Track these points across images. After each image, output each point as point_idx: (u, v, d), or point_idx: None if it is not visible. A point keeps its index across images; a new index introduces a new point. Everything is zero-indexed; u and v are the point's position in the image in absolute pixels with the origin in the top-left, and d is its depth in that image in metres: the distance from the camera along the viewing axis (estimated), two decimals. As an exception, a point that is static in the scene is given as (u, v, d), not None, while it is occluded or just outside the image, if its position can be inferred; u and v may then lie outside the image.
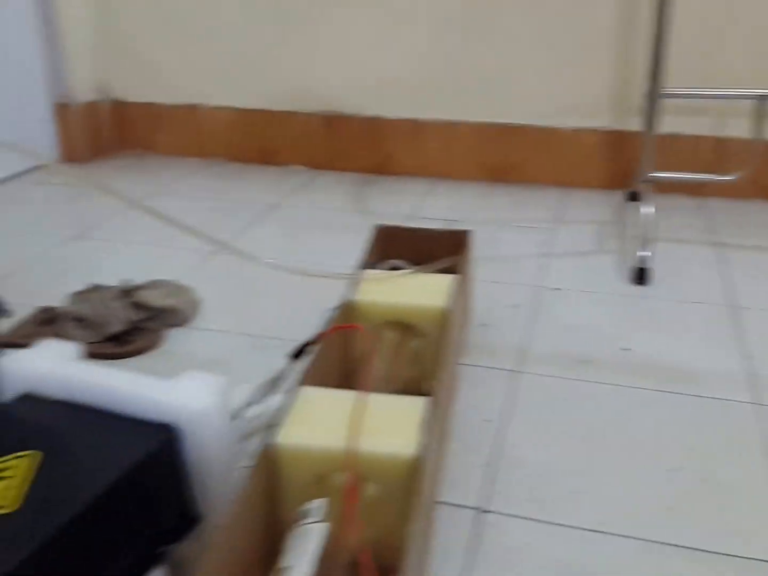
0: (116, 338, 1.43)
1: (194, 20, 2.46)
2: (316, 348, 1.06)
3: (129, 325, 1.44)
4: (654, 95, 1.86)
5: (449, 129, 2.38)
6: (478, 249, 1.62)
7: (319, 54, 2.40)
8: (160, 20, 2.49)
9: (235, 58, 2.47)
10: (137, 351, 1.41)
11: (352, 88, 2.40)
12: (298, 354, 1.09)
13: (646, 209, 1.78)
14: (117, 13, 2.51)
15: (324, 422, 0.89)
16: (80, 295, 1.52)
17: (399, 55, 2.35)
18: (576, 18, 2.21)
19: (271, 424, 0.88)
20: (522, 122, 2.33)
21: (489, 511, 1.03)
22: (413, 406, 0.92)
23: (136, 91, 2.58)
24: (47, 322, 1.49)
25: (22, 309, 1.49)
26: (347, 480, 0.84)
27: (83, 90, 2.51)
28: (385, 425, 0.88)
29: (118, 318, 1.44)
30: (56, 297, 1.51)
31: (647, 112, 1.91)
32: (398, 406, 0.93)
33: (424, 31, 2.31)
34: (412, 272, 1.29)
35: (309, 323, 1.43)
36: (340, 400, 0.93)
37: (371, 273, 1.30)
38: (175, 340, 1.45)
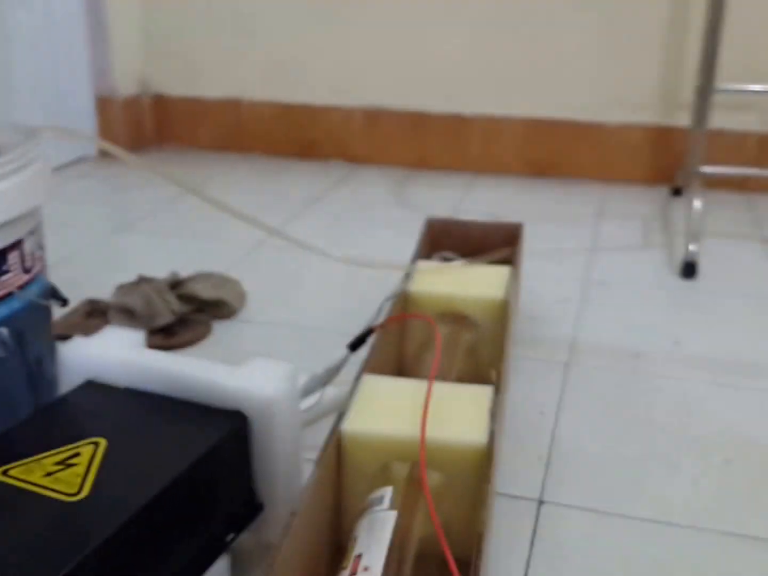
0: (164, 330, 1.43)
1: (237, 16, 2.46)
2: (375, 337, 1.05)
3: (176, 317, 1.44)
4: (706, 91, 1.85)
5: (491, 123, 2.36)
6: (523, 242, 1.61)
7: (361, 48, 2.39)
8: (203, 15, 2.49)
9: (276, 52, 2.47)
10: (185, 343, 1.40)
11: (394, 82, 2.39)
12: (356, 344, 1.08)
13: (696, 203, 1.76)
14: (162, 7, 2.51)
15: (390, 410, 0.88)
16: (127, 288, 1.51)
17: (442, 49, 2.34)
18: (625, 12, 2.20)
19: (335, 412, 0.88)
20: (565, 116, 2.32)
21: (548, 502, 1.02)
22: (479, 395, 0.91)
23: (177, 86, 2.58)
24: (93, 314, 1.48)
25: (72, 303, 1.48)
26: (416, 468, 0.83)
27: (126, 84, 2.51)
28: (452, 413, 0.87)
29: (166, 310, 1.43)
30: (102, 289, 1.51)
31: (699, 107, 1.89)
32: (464, 395, 0.92)
33: (467, 25, 2.30)
34: (466, 263, 1.28)
35: (356, 315, 1.43)
36: (404, 388, 0.92)
37: (425, 264, 1.29)
38: (222, 332, 1.45)
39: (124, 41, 2.49)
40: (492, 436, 0.84)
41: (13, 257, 0.91)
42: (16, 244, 0.91)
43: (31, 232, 0.95)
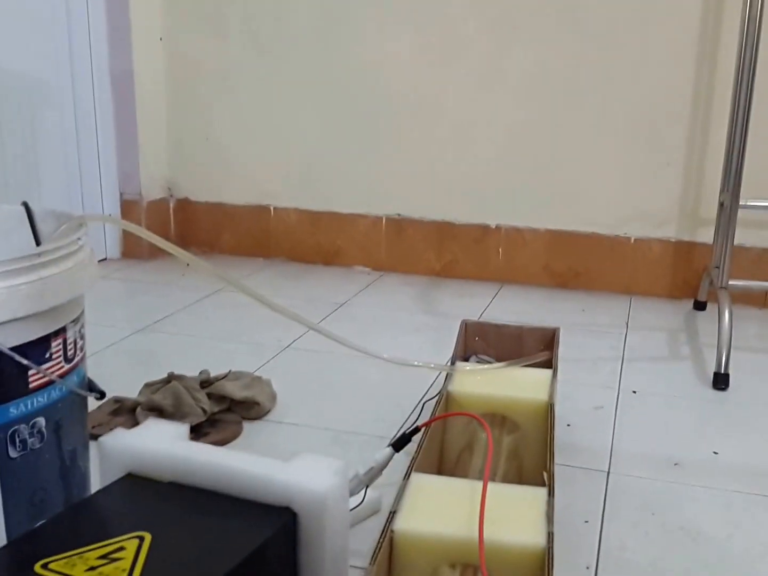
0: (194, 430, 1.38)
1: (267, 124, 2.48)
2: (421, 436, 1.01)
3: (207, 417, 1.40)
4: (732, 206, 1.84)
5: (516, 235, 2.36)
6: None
7: (388, 158, 2.40)
8: (230, 123, 2.51)
9: (305, 161, 2.48)
10: (216, 443, 1.36)
11: (420, 191, 2.39)
12: (401, 443, 1.04)
13: (725, 315, 1.73)
14: (189, 114, 2.53)
15: (443, 510, 0.83)
16: (154, 386, 1.48)
17: (468, 162, 2.35)
18: (648, 131, 2.21)
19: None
20: (589, 230, 2.31)
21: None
22: (533, 497, 0.87)
23: (202, 191, 2.58)
24: (119, 412, 1.45)
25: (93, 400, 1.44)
26: (468, 573, 0.78)
27: (152, 188, 2.51)
28: (508, 515, 0.83)
29: (197, 409, 1.39)
30: (128, 387, 1.47)
31: (725, 222, 1.88)
32: (517, 496, 0.87)
33: (494, 140, 2.32)
34: (507, 365, 1.25)
35: (387, 418, 1.42)
36: (455, 488, 0.88)
37: (465, 365, 1.26)
38: (253, 432, 1.41)
39: (152, 146, 2.50)
40: (550, 538, 0.79)
41: (56, 345, 0.88)
42: (60, 332, 0.88)
43: (74, 321, 0.92)
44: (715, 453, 1.39)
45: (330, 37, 2.38)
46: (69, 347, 0.90)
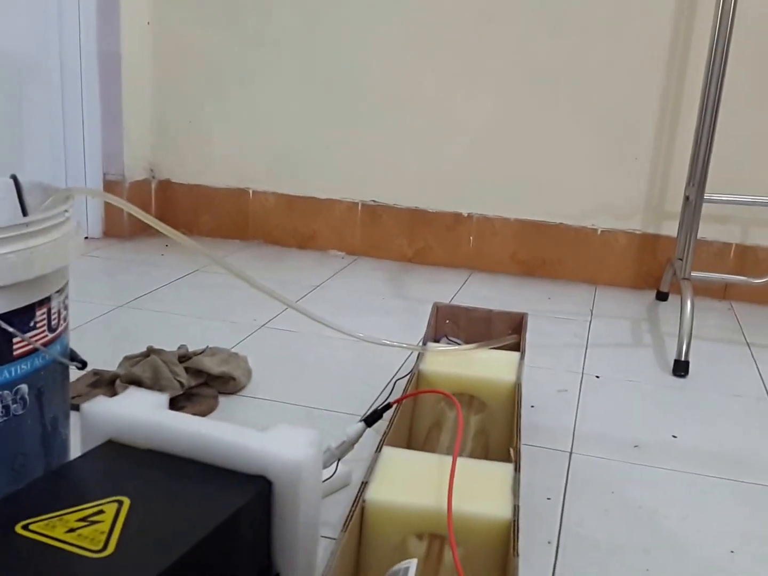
0: (171, 403, 1.37)
1: (248, 109, 2.47)
2: (393, 413, 1.01)
3: (184, 390, 1.40)
4: (698, 200, 1.85)
5: (486, 223, 2.36)
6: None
7: (366, 146, 2.40)
8: (214, 107, 2.50)
9: (284, 146, 2.47)
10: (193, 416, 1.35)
11: (396, 180, 2.39)
12: (373, 419, 1.04)
13: (687, 306, 1.75)
14: (174, 97, 2.51)
15: (413, 482, 0.84)
16: (133, 360, 1.47)
17: (443, 152, 2.35)
18: (616, 127, 2.22)
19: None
20: (557, 221, 2.32)
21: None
22: (500, 472, 0.88)
23: (184, 174, 2.57)
24: (97, 384, 1.44)
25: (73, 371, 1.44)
26: (435, 543, 0.78)
27: (135, 168, 2.50)
28: (476, 488, 0.83)
29: (174, 382, 1.39)
30: (107, 361, 1.46)
31: (689, 215, 1.89)
32: (485, 471, 0.88)
33: (468, 132, 2.32)
34: (477, 347, 1.25)
35: (359, 395, 1.42)
36: (425, 462, 0.88)
37: (436, 346, 1.26)
38: (228, 406, 1.40)
39: (136, 128, 2.49)
40: (515, 511, 0.80)
41: (41, 314, 0.87)
42: (45, 301, 0.88)
43: (59, 291, 0.92)
44: (674, 437, 1.40)
45: (313, 28, 2.37)
46: (53, 317, 0.89)
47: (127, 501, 0.72)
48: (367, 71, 2.36)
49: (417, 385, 1.16)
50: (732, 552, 1.07)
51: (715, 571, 1.03)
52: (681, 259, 1.92)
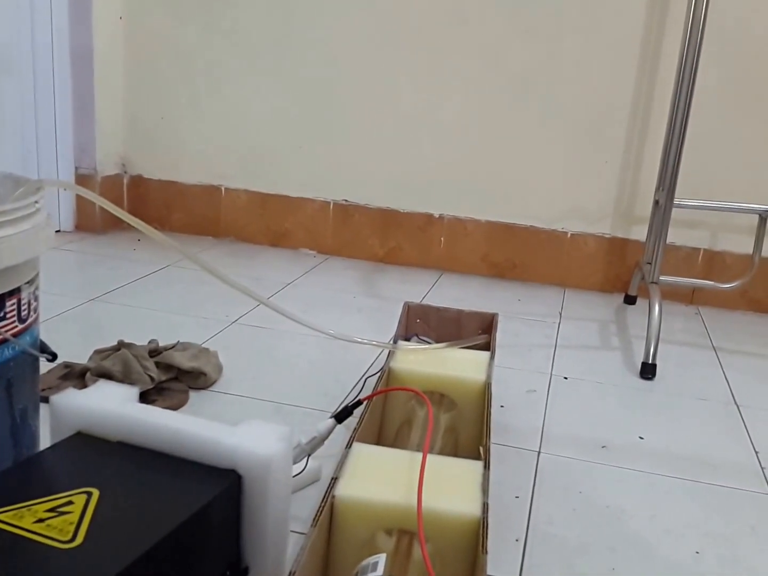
0: (141, 397, 1.37)
1: (221, 106, 2.46)
2: (363, 409, 1.01)
3: (155, 384, 1.39)
4: (667, 205, 1.86)
5: (458, 225, 2.36)
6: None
7: (338, 146, 2.40)
8: (186, 104, 2.48)
9: (257, 144, 2.46)
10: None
11: (368, 180, 2.39)
12: (343, 415, 1.04)
13: (655, 309, 1.76)
14: (146, 93, 2.50)
15: (383, 478, 0.83)
16: (104, 353, 1.46)
17: (415, 153, 2.35)
18: (587, 132, 2.23)
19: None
20: (528, 224, 2.33)
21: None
22: (469, 469, 0.88)
23: (156, 170, 2.55)
24: (68, 377, 1.43)
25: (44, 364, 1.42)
26: (403, 539, 0.78)
27: (107, 163, 2.48)
28: (445, 485, 0.83)
29: (145, 376, 1.38)
30: (78, 354, 1.45)
31: (659, 220, 1.90)
32: (454, 468, 0.88)
33: (439, 133, 2.32)
34: (447, 346, 1.25)
35: (328, 392, 1.42)
36: (395, 458, 0.88)
37: (407, 344, 1.26)
38: (199, 401, 1.40)
39: (108, 122, 2.47)
40: (485, 508, 0.80)
41: (10, 304, 0.86)
42: (14, 292, 0.87)
43: (29, 282, 0.91)
44: (641, 438, 1.41)
45: (284, 26, 2.36)
46: (23, 308, 0.88)
47: (96, 492, 0.71)
48: (340, 71, 2.35)
49: (387, 382, 1.15)
50: (697, 553, 1.07)
51: (681, 571, 1.03)
52: (650, 263, 1.93)
